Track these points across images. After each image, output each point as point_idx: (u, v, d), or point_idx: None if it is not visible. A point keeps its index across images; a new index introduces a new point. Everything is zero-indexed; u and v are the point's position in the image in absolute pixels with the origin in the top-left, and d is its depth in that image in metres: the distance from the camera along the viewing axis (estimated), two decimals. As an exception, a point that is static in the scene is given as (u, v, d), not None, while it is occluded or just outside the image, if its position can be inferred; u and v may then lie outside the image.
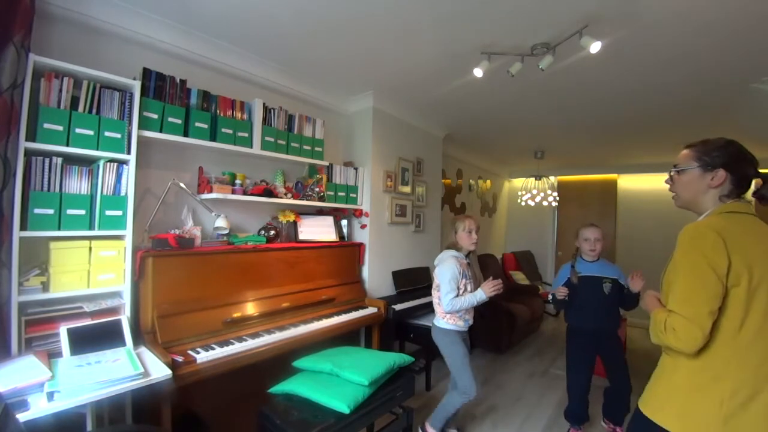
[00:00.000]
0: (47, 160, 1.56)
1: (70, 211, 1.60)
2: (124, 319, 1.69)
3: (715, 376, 0.98)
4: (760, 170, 1.11)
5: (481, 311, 2.35)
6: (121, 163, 1.76)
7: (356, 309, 2.69)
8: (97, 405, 1.54)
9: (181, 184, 2.04)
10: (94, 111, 1.68)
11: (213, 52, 2.28)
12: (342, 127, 3.33)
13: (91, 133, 1.65)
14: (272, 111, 2.45)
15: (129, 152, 1.76)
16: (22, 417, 1.13)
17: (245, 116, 2.33)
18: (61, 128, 1.57)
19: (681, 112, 3.21)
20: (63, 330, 1.51)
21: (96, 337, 1.56)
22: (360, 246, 3.08)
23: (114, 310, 1.74)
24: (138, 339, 1.74)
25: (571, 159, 5.58)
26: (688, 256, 1.02)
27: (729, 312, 0.97)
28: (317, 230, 2.81)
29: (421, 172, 3.82)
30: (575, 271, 2.32)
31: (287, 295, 2.38)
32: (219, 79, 2.37)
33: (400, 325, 3.08)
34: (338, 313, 2.54)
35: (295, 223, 2.69)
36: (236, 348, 1.88)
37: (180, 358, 1.67)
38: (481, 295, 2.06)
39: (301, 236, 2.69)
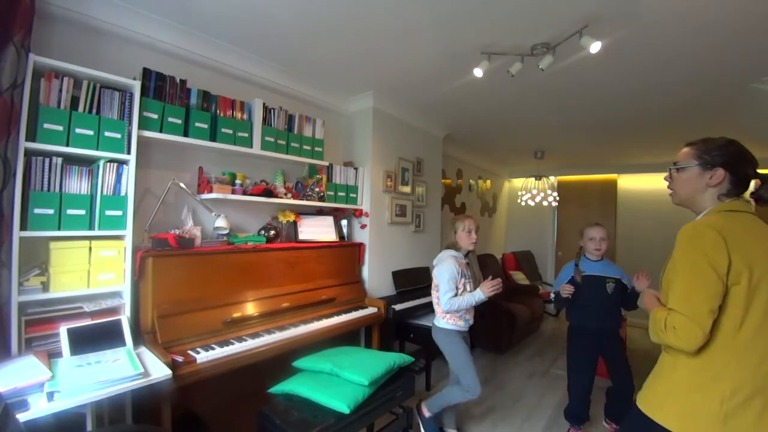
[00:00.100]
0: (47, 160, 1.56)
1: (70, 211, 1.60)
2: (124, 319, 1.69)
3: (714, 376, 0.98)
4: (760, 171, 1.11)
5: (481, 311, 2.35)
6: (121, 163, 1.76)
7: (356, 309, 2.69)
8: (97, 405, 1.54)
9: (181, 184, 2.04)
10: (94, 111, 1.68)
11: (213, 52, 2.28)
12: (342, 127, 3.33)
13: (91, 133, 1.65)
14: (272, 111, 2.45)
15: (129, 152, 1.76)
16: (22, 417, 1.13)
17: (245, 116, 2.33)
18: (61, 128, 1.57)
19: (681, 112, 3.21)
20: (63, 330, 1.51)
21: (96, 337, 1.56)
22: (360, 246, 3.08)
23: (114, 310, 1.74)
24: (138, 339, 1.74)
25: (571, 159, 5.58)
26: (688, 255, 1.02)
27: (729, 311, 0.98)
28: (317, 230, 2.81)
29: (421, 172, 3.82)
30: (579, 270, 2.31)
31: (287, 295, 2.38)
32: (219, 79, 2.37)
33: (400, 325, 3.08)
34: (338, 313, 2.54)
35: (295, 223, 2.69)
36: (236, 348, 1.88)
37: (180, 358, 1.67)
38: (479, 295, 2.06)
39: (301, 236, 2.69)
